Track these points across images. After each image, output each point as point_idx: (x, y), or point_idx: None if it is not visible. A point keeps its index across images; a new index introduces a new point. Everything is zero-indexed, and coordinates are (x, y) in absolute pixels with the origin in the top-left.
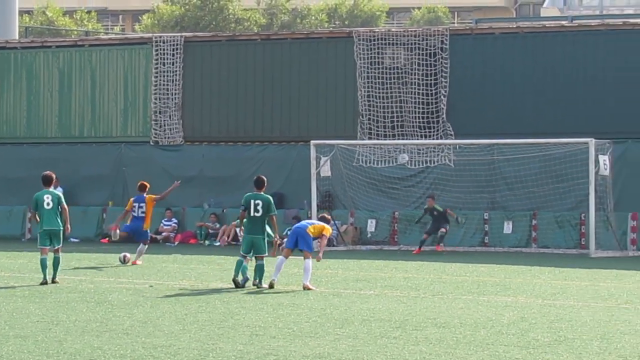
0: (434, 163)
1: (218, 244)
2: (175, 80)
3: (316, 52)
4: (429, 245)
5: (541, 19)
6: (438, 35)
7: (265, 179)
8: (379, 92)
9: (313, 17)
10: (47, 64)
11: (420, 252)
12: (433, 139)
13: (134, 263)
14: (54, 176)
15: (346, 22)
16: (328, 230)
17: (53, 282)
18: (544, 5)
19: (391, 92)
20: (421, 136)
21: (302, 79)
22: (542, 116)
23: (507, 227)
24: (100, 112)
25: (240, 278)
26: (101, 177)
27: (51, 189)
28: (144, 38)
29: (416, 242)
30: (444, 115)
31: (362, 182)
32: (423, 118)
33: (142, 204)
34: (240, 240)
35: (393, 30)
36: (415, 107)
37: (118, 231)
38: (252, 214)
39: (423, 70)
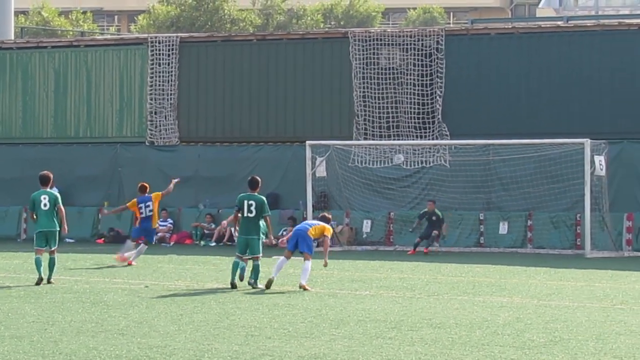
0: (429, 163)
1: (213, 244)
2: (171, 80)
3: (312, 53)
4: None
5: (537, 20)
6: (434, 35)
7: (259, 179)
8: (375, 93)
9: (309, 18)
10: (42, 64)
11: (415, 252)
12: (428, 140)
13: (129, 263)
14: (51, 176)
15: (342, 23)
16: (329, 230)
17: (48, 282)
18: (540, 5)
19: (387, 93)
20: (417, 136)
21: (298, 80)
22: (537, 116)
23: (503, 228)
24: (96, 113)
25: (237, 281)
26: (97, 177)
27: (48, 188)
28: (139, 38)
29: (411, 243)
30: (440, 116)
31: (357, 183)
32: (419, 118)
33: (148, 203)
34: (236, 241)
35: (389, 30)
36: (410, 108)
37: (105, 210)
38: (245, 214)
39: (418, 70)
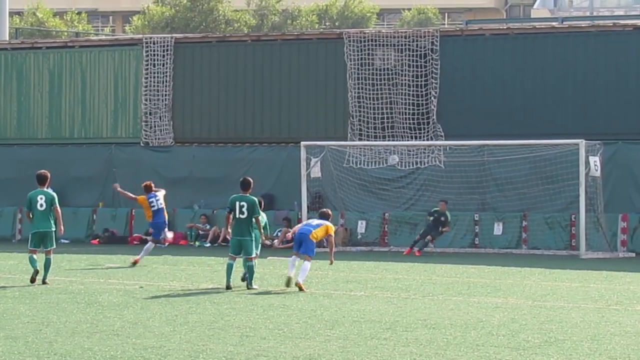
0: (424, 164)
1: (208, 245)
2: (166, 81)
3: (306, 53)
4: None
5: (531, 20)
6: (428, 36)
7: (251, 180)
8: (369, 93)
9: (303, 19)
10: (37, 65)
11: (410, 252)
12: (423, 140)
13: (136, 261)
14: (49, 175)
15: (337, 24)
16: (332, 228)
17: (43, 283)
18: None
19: (381, 93)
20: (411, 137)
21: (293, 80)
22: (532, 117)
23: (498, 229)
24: (91, 113)
25: (232, 283)
26: (91, 178)
27: (45, 188)
28: (134, 39)
29: (406, 244)
30: (434, 117)
31: (352, 183)
32: (413, 119)
33: (157, 197)
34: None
35: (383, 31)
36: (405, 108)
37: (118, 186)
38: (237, 215)
39: (413, 71)
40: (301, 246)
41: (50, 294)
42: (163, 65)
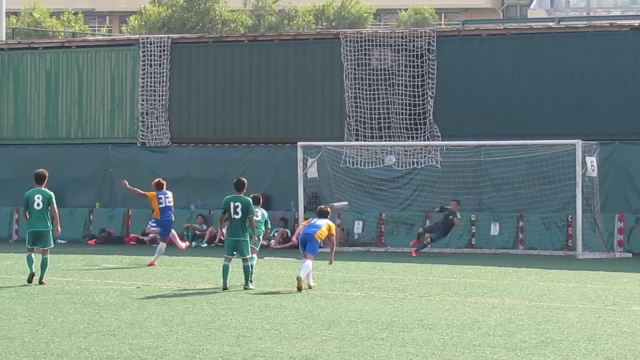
0: (421, 164)
1: (205, 245)
2: (162, 81)
3: (303, 54)
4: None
5: (528, 21)
6: (425, 36)
7: (245, 181)
8: (366, 94)
9: (300, 19)
10: (34, 65)
11: (417, 243)
12: (420, 141)
13: (151, 263)
14: (47, 174)
15: (333, 24)
16: (333, 227)
17: (40, 283)
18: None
19: (378, 94)
20: (408, 138)
21: (289, 81)
22: (529, 117)
23: (494, 229)
24: (87, 114)
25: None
26: (88, 178)
27: (43, 187)
28: (131, 39)
29: (403, 244)
30: (431, 117)
31: (349, 184)
32: (410, 119)
33: (167, 195)
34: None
35: (380, 31)
36: (402, 109)
37: (127, 183)
38: (232, 216)
39: (410, 71)
40: (306, 246)
41: (47, 294)
42: (160, 65)
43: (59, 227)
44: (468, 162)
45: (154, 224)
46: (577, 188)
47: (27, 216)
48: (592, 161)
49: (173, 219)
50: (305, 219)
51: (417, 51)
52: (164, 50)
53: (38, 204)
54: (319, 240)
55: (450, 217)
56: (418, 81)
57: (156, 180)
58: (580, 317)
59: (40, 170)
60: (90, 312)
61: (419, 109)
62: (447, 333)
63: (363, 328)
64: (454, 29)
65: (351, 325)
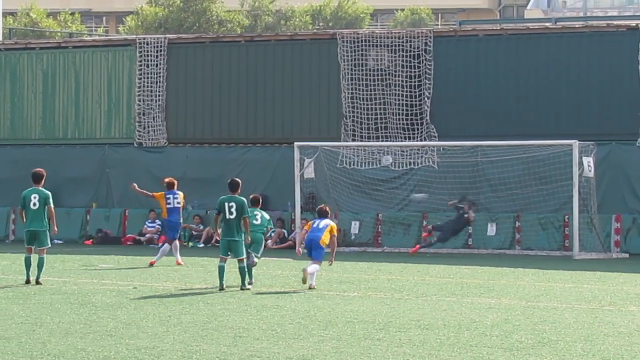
0: (417, 165)
1: (202, 245)
2: (159, 81)
3: (300, 54)
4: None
5: (525, 21)
6: (422, 37)
7: (239, 181)
8: (363, 94)
9: (297, 19)
10: (30, 65)
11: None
12: (417, 141)
13: (152, 263)
14: (44, 173)
15: (330, 24)
16: (334, 228)
17: (37, 283)
18: (528, 7)
19: (375, 94)
20: (405, 138)
21: (286, 81)
22: (525, 118)
23: (491, 229)
24: (84, 114)
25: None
26: (85, 178)
27: (40, 186)
28: (127, 40)
29: (400, 244)
30: (428, 117)
31: (345, 184)
32: (407, 120)
33: (176, 196)
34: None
35: (377, 32)
36: (399, 109)
37: (136, 186)
38: (227, 216)
39: (407, 72)
40: (311, 252)
41: (43, 294)
42: (156, 65)
43: (55, 227)
44: (465, 162)
45: (152, 224)
46: (574, 188)
47: (24, 216)
48: (588, 161)
49: (181, 220)
50: (303, 219)
51: (414, 51)
52: (160, 51)
53: (34, 204)
54: (324, 246)
55: (465, 215)
56: (415, 81)
57: (167, 179)
58: (577, 318)
59: (38, 169)
60: (87, 312)
61: (416, 110)
62: (444, 333)
63: (360, 328)
64: (451, 29)
65: (348, 325)
